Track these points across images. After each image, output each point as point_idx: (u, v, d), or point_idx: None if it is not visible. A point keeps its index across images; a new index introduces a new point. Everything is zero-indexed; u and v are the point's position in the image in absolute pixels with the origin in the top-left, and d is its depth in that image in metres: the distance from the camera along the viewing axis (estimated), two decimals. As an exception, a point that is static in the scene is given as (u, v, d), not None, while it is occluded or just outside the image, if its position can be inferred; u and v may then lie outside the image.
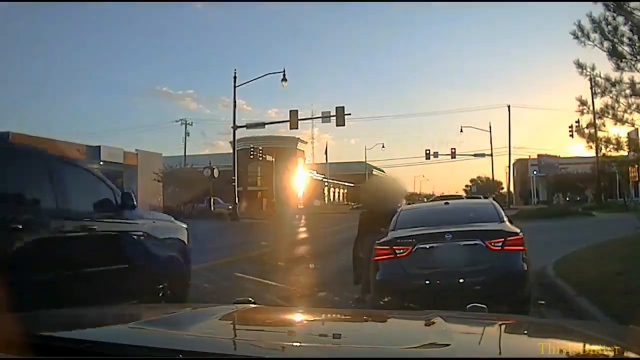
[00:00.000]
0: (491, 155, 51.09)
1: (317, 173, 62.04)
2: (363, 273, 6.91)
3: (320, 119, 33.90)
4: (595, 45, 10.71)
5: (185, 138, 50.63)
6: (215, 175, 35.32)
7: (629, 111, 11.31)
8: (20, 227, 4.46)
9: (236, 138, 36.10)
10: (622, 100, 11.28)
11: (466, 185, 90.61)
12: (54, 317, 2.16)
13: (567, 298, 6.64)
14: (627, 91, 11.09)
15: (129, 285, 5.56)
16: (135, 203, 6.10)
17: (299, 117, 33.02)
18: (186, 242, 7.04)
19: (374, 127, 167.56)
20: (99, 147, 33.03)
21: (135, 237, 6.02)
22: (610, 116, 11.72)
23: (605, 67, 11.14)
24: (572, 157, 51.51)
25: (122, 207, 5.81)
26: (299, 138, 57.94)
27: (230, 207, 33.48)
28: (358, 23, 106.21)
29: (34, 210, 4.74)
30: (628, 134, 13.69)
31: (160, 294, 6.11)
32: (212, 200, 35.40)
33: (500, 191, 63.08)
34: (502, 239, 5.64)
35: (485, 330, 1.81)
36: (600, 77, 11.38)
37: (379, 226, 6.66)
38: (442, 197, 29.01)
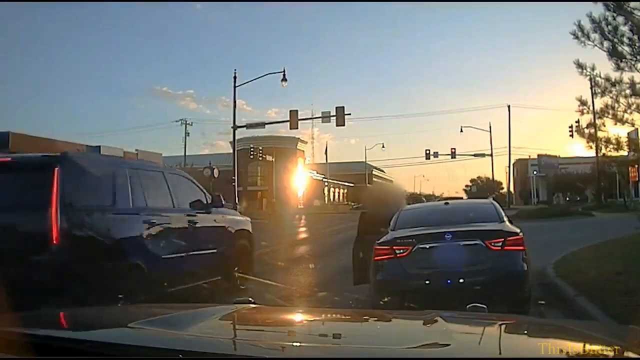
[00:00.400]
0: (491, 155, 51.08)
1: (317, 173, 62.03)
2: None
3: (320, 119, 33.87)
4: (595, 45, 10.73)
5: (185, 138, 50.60)
6: (215, 175, 35.28)
7: (629, 111, 11.33)
8: (155, 221, 6.28)
9: (236, 138, 36.10)
10: (622, 100, 11.30)
11: (466, 185, 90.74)
12: (54, 317, 2.16)
13: (567, 298, 6.64)
14: (627, 91, 11.11)
15: (216, 265, 7.29)
16: (223, 202, 7.88)
17: (299, 117, 32.99)
18: (251, 231, 8.76)
19: (374, 127, 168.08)
20: (99, 147, 32.87)
21: (221, 228, 7.81)
22: (610, 116, 11.74)
23: (605, 67, 11.16)
24: (572, 157, 51.54)
25: (212, 206, 7.61)
26: (299, 138, 58.01)
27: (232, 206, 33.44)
28: (358, 23, 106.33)
29: (162, 210, 6.56)
30: (628, 134, 13.70)
31: (236, 275, 7.64)
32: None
33: (500, 191, 63.07)
34: (502, 239, 5.63)
35: (485, 330, 1.81)
36: (600, 77, 11.41)
37: (379, 226, 6.64)
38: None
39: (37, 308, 3.89)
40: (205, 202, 7.46)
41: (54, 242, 4.98)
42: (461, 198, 20.81)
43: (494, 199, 9.23)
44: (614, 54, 10.61)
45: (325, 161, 63.25)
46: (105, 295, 4.63)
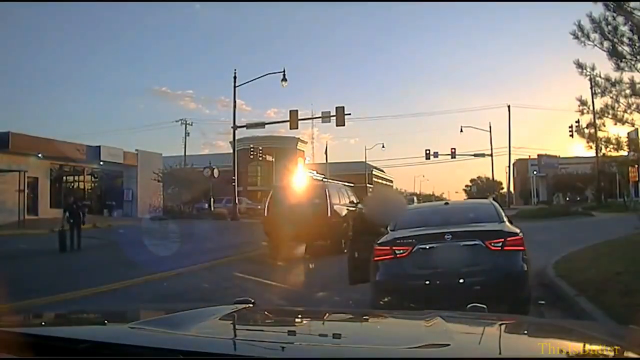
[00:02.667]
0: (491, 155, 51.06)
1: (317, 173, 61.97)
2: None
3: (320, 119, 33.86)
4: (595, 45, 10.70)
5: (185, 138, 50.46)
6: (216, 175, 35.29)
7: (629, 111, 11.31)
8: (350, 208, 15.15)
9: (236, 138, 36.06)
10: (622, 100, 11.28)
11: (466, 185, 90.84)
12: (54, 317, 2.16)
13: (567, 298, 6.64)
14: (627, 91, 11.09)
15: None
16: (356, 200, 16.98)
17: (299, 117, 32.96)
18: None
19: (374, 127, 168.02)
20: (99, 147, 32.93)
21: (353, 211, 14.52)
22: (610, 116, 11.72)
23: (605, 67, 11.14)
24: (572, 157, 51.44)
25: (356, 202, 15.92)
26: (299, 138, 57.92)
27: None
28: (358, 23, 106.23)
29: (348, 203, 15.75)
30: (628, 134, 13.69)
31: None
32: (212, 200, 35.40)
33: (500, 191, 63.11)
34: (502, 239, 5.63)
35: (485, 330, 1.81)
36: (600, 77, 11.38)
37: (375, 227, 6.63)
38: None
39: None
40: (354, 201, 16.18)
41: (329, 214, 14.02)
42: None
43: (494, 199, 9.24)
44: (614, 54, 10.59)
45: (325, 161, 63.20)
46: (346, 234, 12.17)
